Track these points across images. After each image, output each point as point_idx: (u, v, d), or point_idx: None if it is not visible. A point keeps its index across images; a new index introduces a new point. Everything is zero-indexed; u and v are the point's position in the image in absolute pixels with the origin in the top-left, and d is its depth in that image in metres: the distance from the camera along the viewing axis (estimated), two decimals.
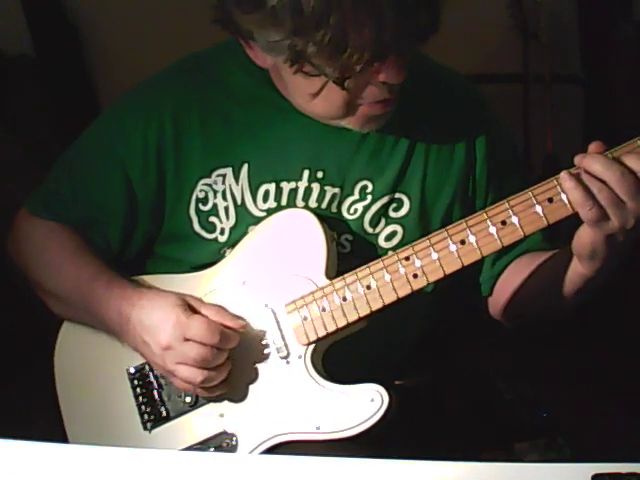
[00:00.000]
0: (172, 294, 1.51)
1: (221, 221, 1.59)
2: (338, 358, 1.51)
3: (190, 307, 1.49)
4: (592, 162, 1.30)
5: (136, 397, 1.59)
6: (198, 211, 1.59)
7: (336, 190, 1.57)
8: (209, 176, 1.58)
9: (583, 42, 3.25)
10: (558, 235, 1.53)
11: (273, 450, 1.48)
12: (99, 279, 1.57)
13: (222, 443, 1.52)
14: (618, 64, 3.08)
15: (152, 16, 3.01)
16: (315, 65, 1.36)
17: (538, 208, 1.36)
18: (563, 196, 1.34)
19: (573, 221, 1.37)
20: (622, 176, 1.28)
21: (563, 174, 1.33)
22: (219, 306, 1.51)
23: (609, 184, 1.29)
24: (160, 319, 1.47)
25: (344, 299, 1.46)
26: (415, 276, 1.43)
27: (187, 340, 1.45)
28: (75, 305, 1.61)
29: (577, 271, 1.44)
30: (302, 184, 1.57)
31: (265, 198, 1.57)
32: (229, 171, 1.57)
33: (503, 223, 1.38)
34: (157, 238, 1.65)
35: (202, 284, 1.57)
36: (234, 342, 1.47)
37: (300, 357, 1.49)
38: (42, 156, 2.56)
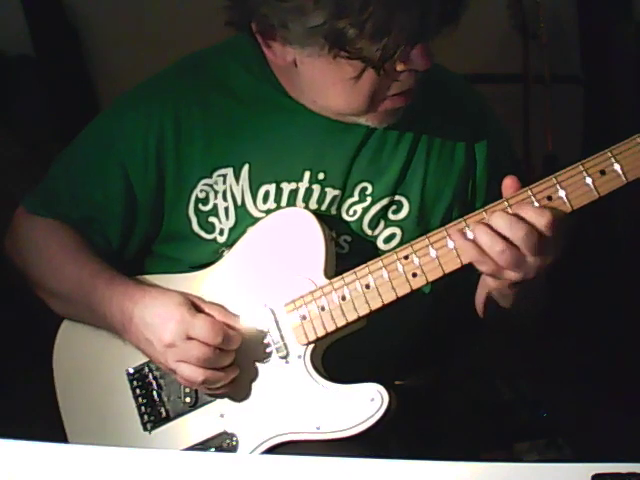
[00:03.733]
0: (176, 293, 1.51)
1: (220, 222, 1.59)
2: (338, 358, 1.51)
3: (194, 306, 1.49)
4: (497, 219, 1.32)
5: (136, 398, 1.59)
6: (197, 211, 1.59)
7: (337, 192, 1.57)
8: (210, 176, 1.57)
9: (583, 42, 3.25)
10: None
11: (273, 450, 1.48)
12: (101, 277, 1.57)
13: (222, 443, 1.52)
14: (618, 64, 3.08)
15: (152, 16, 3.01)
16: (353, 50, 1.34)
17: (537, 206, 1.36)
18: (562, 193, 1.34)
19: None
20: (526, 235, 1.31)
21: (454, 232, 1.36)
22: (223, 306, 1.51)
23: (514, 242, 1.31)
24: (163, 317, 1.47)
25: (343, 298, 1.46)
26: (414, 275, 1.42)
27: (190, 339, 1.45)
28: (76, 303, 1.61)
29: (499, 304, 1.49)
30: (303, 185, 1.57)
31: (265, 199, 1.57)
32: (230, 171, 1.57)
33: None
34: (156, 237, 1.65)
35: (200, 283, 1.57)
36: (237, 344, 1.47)
37: (300, 357, 1.49)
38: (42, 156, 2.56)
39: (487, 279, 1.41)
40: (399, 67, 1.40)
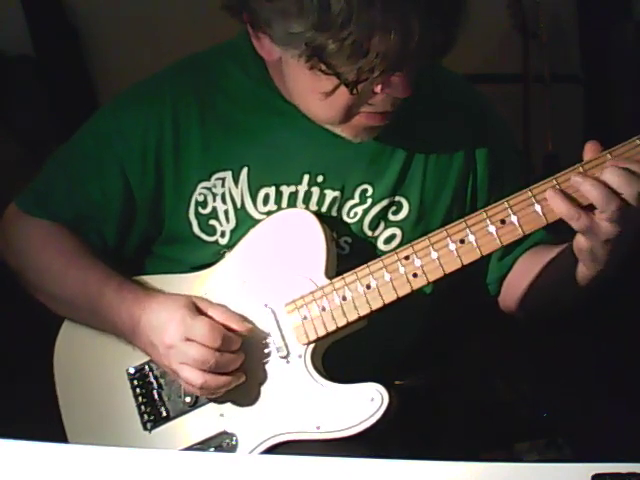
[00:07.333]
0: (182, 296, 1.51)
1: (221, 224, 1.58)
2: (338, 358, 1.50)
3: (198, 309, 1.49)
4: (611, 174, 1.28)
5: (136, 397, 1.59)
6: (198, 214, 1.59)
7: (336, 194, 1.57)
8: (208, 179, 1.57)
9: (583, 42, 3.25)
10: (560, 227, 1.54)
11: (273, 450, 1.48)
12: (109, 283, 1.56)
13: (222, 443, 1.52)
14: (618, 64, 3.08)
15: (152, 17, 3.01)
16: (330, 64, 1.34)
17: (537, 207, 1.36)
18: None
19: None
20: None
21: (549, 191, 1.33)
22: (225, 308, 1.51)
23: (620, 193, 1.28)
24: (166, 319, 1.47)
25: (344, 298, 1.46)
26: (415, 275, 1.43)
27: (189, 340, 1.45)
28: (80, 307, 1.60)
29: (583, 272, 1.44)
30: (302, 188, 1.57)
31: (265, 201, 1.57)
32: (228, 175, 1.57)
33: (502, 222, 1.38)
34: (157, 238, 1.65)
35: (201, 284, 1.57)
36: (236, 345, 1.47)
37: (300, 356, 1.49)
38: (42, 156, 2.56)
39: (580, 241, 1.36)
40: (377, 89, 1.39)
